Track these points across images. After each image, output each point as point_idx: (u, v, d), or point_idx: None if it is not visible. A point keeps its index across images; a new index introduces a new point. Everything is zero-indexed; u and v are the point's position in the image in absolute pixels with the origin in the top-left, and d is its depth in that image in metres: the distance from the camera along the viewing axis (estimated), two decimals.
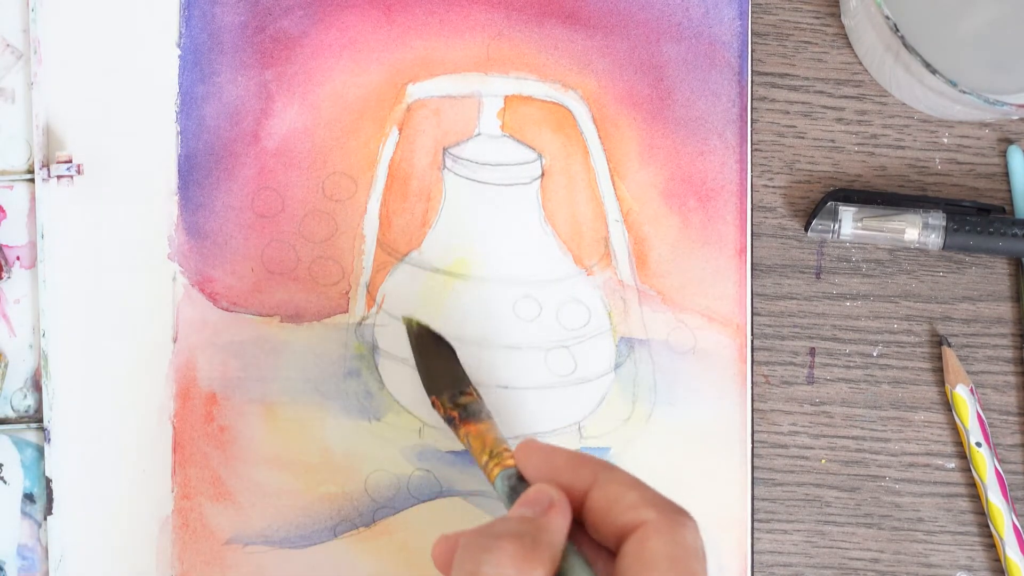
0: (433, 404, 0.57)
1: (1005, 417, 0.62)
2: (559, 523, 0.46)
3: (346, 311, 0.61)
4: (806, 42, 0.62)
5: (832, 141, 0.62)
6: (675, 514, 0.46)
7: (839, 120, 0.62)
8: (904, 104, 0.62)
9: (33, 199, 0.61)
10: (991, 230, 0.60)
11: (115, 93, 0.61)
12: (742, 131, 0.61)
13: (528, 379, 0.61)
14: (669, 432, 0.61)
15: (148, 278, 0.61)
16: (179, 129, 0.61)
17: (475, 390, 0.57)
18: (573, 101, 0.61)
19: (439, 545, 0.48)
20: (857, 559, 0.61)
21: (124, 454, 0.60)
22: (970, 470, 0.61)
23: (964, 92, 0.53)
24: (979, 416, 0.60)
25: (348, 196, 0.61)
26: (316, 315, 0.61)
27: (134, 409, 0.60)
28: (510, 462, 0.51)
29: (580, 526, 0.48)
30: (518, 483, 0.50)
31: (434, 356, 0.59)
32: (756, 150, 0.62)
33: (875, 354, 0.62)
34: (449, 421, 0.56)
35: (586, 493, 0.47)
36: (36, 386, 0.61)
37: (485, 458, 0.52)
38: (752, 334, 0.61)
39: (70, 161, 0.60)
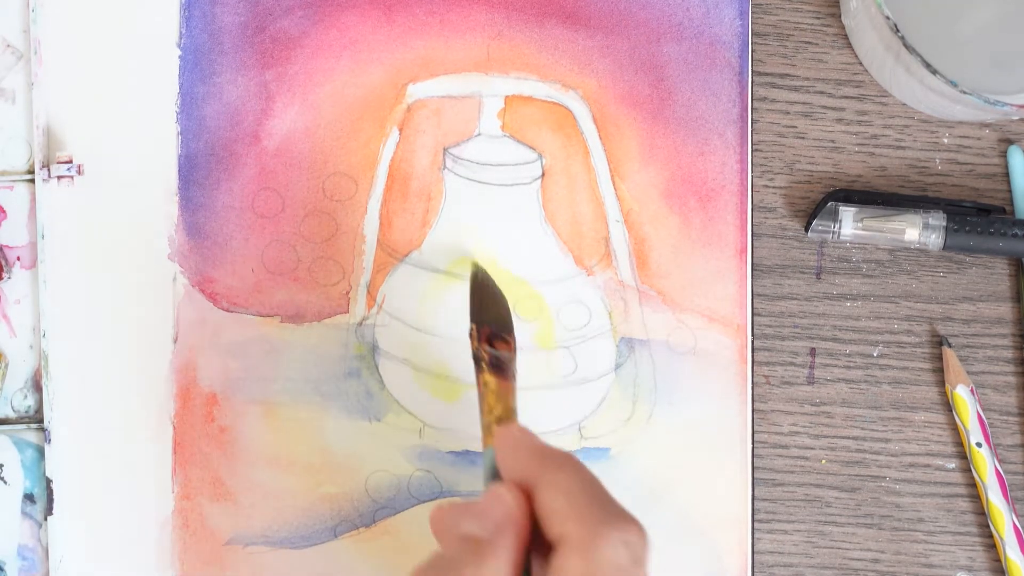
0: (470, 334, 0.53)
1: (1005, 417, 0.62)
2: (506, 546, 0.42)
3: (346, 311, 0.61)
4: (806, 42, 0.62)
5: (832, 141, 0.62)
6: (600, 526, 0.41)
7: (839, 120, 0.62)
8: (904, 104, 0.62)
9: (33, 199, 0.61)
10: (991, 230, 0.60)
11: (115, 93, 0.61)
12: (742, 131, 0.61)
13: (528, 379, 0.60)
14: (669, 432, 0.61)
15: (148, 278, 0.61)
16: (179, 129, 0.61)
17: (514, 344, 0.53)
18: (573, 101, 0.61)
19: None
20: (857, 559, 0.61)
21: (124, 454, 0.60)
22: (970, 470, 0.61)
23: (964, 92, 0.53)
24: (979, 416, 0.60)
25: (348, 196, 0.61)
26: (316, 315, 0.61)
27: (134, 409, 0.60)
28: None
29: None
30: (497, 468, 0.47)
31: (491, 296, 0.55)
32: (756, 150, 0.62)
33: (875, 354, 0.62)
34: (476, 359, 0.52)
35: None
36: (36, 386, 0.61)
37: (490, 420, 0.49)
38: (752, 334, 0.61)
39: (70, 161, 0.60)
